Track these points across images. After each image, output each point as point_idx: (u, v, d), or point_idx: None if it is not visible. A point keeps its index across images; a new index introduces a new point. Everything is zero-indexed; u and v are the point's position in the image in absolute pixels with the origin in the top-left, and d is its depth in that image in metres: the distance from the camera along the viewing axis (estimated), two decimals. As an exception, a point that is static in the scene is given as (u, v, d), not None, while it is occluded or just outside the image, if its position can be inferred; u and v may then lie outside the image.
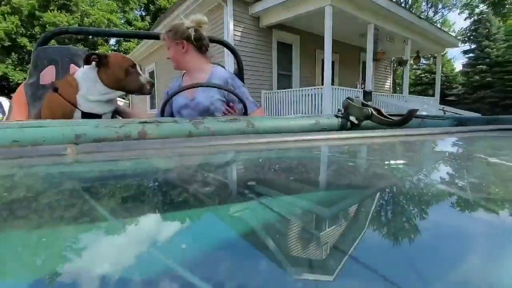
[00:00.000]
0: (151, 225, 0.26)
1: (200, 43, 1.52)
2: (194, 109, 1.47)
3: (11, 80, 18.91)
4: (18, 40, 19.53)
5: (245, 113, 1.42)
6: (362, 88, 7.34)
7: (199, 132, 0.74)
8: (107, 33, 2.69)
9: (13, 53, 19.77)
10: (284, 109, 6.99)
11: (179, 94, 1.45)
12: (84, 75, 1.24)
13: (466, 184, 0.36)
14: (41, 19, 19.90)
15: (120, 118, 1.47)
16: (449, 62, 23.76)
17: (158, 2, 26.29)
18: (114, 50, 24.15)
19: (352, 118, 0.71)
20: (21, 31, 19.75)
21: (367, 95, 6.72)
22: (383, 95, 8.15)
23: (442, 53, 10.43)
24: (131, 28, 24.90)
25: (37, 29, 19.60)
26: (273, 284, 0.16)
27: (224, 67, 1.69)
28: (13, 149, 0.46)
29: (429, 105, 8.78)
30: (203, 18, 1.51)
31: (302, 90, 6.70)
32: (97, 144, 0.52)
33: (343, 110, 0.74)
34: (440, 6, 26.52)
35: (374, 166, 0.49)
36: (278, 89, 7.59)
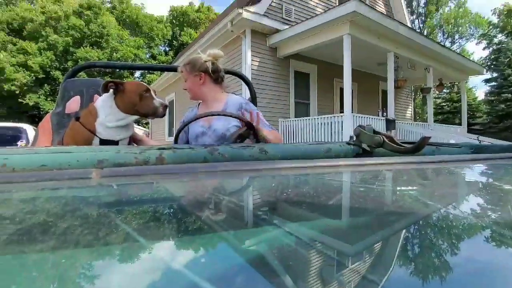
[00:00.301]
0: (172, 248, 0.28)
1: (216, 75, 1.61)
2: (211, 136, 1.53)
3: (42, 109, 20.20)
4: (51, 73, 21.18)
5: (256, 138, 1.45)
6: (384, 116, 7.14)
7: (214, 158, 0.76)
8: (130, 66, 2.96)
9: (46, 85, 21.32)
10: (302, 137, 6.91)
11: (196, 122, 1.52)
12: (102, 103, 1.32)
13: (487, 215, 0.36)
14: (74, 54, 21.60)
15: (136, 145, 1.53)
16: (470, 91, 23.34)
17: (180, 38, 28.04)
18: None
19: (364, 146, 0.71)
20: (55, 65, 21.42)
21: (390, 123, 6.56)
22: (406, 123, 7.91)
23: (465, 81, 10.20)
24: (155, 62, 26.48)
25: (70, 63, 21.19)
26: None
27: (239, 95, 1.78)
28: (42, 172, 0.50)
29: (456, 134, 8.38)
30: (219, 52, 1.62)
31: (320, 118, 6.62)
32: (119, 168, 0.56)
33: (355, 137, 0.75)
34: (456, 36, 26.61)
35: (388, 193, 0.49)
36: (295, 117, 7.59)
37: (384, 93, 9.43)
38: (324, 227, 0.32)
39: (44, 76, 21.00)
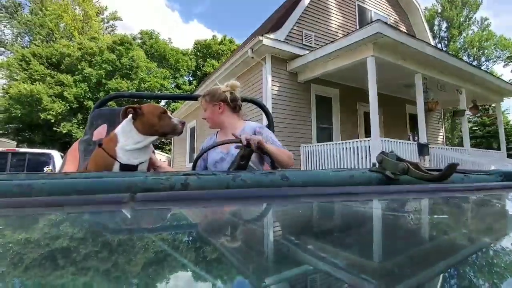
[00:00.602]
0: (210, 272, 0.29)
1: (234, 104, 1.70)
2: (229, 162, 1.57)
3: (74, 137, 21.42)
4: (84, 102, 22.72)
5: (273, 164, 1.46)
6: (415, 141, 6.65)
7: (236, 184, 0.77)
8: (155, 96, 3.20)
9: (79, 114, 22.78)
10: (325, 163, 6.57)
11: (214, 150, 1.60)
12: (122, 128, 1.39)
13: None
14: (106, 85, 23.17)
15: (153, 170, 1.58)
16: (503, 114, 22.33)
17: (203, 69, 29.41)
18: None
19: (387, 173, 0.70)
20: (88, 95, 22.97)
21: (423, 148, 6.06)
22: (439, 148, 7.28)
23: (501, 103, 9.44)
24: (180, 91, 27.67)
25: (101, 93, 22.66)
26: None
27: (258, 121, 1.84)
28: (80, 197, 0.53)
29: (495, 159, 7.77)
30: (236, 82, 1.72)
31: (345, 143, 6.21)
32: (151, 193, 0.58)
33: (377, 164, 0.74)
34: (483, 59, 26.00)
35: (418, 223, 0.48)
36: (318, 142, 7.31)
37: (412, 116, 9.02)
38: (351, 258, 0.32)
39: (77, 105, 22.55)
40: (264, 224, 0.49)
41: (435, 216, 0.51)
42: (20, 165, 6.64)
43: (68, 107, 22.13)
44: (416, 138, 6.99)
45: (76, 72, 23.25)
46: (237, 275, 0.27)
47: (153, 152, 1.57)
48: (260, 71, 7.32)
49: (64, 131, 21.56)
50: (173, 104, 26.41)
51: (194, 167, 1.58)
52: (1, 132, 23.03)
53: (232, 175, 0.77)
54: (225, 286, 0.24)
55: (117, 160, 1.35)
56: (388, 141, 5.84)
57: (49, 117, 21.18)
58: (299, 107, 7.43)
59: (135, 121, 1.39)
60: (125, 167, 1.34)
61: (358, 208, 0.59)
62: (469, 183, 0.71)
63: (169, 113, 1.46)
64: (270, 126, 2.25)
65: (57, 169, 2.28)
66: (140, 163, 1.40)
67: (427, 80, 6.80)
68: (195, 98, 1.93)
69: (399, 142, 6.06)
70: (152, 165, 1.57)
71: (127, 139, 1.37)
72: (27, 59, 22.44)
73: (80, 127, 22.36)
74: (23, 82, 21.35)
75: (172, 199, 0.62)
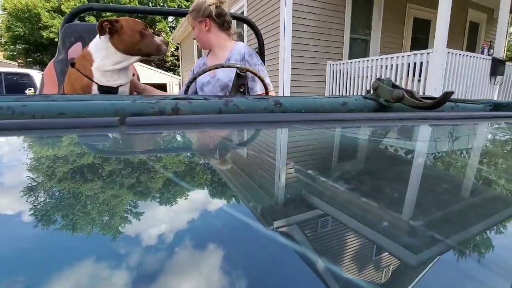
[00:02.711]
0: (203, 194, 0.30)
1: (222, 19, 1.55)
2: (215, 85, 1.53)
3: None
4: (86, 18, 21.34)
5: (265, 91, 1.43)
6: (490, 54, 4.88)
7: (229, 109, 0.77)
8: (134, 10, 2.68)
9: None
10: (357, 85, 5.07)
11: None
12: (97, 46, 1.23)
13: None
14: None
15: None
16: None
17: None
18: (173, 27, 25.06)
19: (381, 100, 0.69)
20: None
21: (498, 65, 4.58)
22: None
23: None
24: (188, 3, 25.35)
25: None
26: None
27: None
28: (69, 120, 0.54)
29: None
30: None
31: (390, 58, 4.52)
32: (141, 118, 0.59)
33: (372, 91, 0.72)
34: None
35: (406, 149, 0.49)
36: (349, 58, 5.70)
37: (473, 26, 7.11)
38: (344, 184, 0.33)
39: (78, 21, 21.30)
40: (257, 149, 0.50)
41: (423, 142, 0.52)
42: None
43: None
44: (491, 51, 5.05)
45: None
46: (233, 197, 0.28)
47: (134, 74, 1.46)
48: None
49: (71, 50, 20.96)
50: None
51: (186, 91, 1.55)
52: (11, 53, 22.54)
53: (225, 100, 0.77)
54: (223, 207, 0.25)
55: (94, 82, 1.23)
56: (455, 54, 4.14)
57: (51, 35, 20.28)
58: (328, 14, 5.61)
59: (112, 37, 1.23)
60: (104, 90, 1.24)
61: (350, 134, 0.60)
62: (458, 111, 0.70)
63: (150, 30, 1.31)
64: (261, 50, 2.10)
65: (38, 92, 2.16)
66: (119, 85, 1.29)
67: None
68: (184, 14, 1.74)
69: (470, 56, 4.38)
70: (135, 88, 1.48)
71: (105, 58, 1.23)
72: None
73: (85, 45, 21.48)
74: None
75: (163, 123, 0.63)
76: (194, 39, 1.64)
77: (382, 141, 0.54)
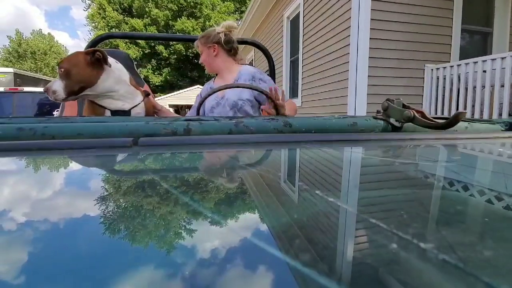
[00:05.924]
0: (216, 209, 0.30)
1: (229, 46, 1.63)
2: (224, 106, 1.57)
3: (150, 82, 22.28)
4: (156, 47, 23.09)
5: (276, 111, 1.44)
6: None
7: (239, 130, 0.78)
8: (149, 37, 2.82)
9: (152, 59, 23.65)
10: (476, 96, 3.30)
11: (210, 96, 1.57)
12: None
13: None
14: (173, 27, 23.16)
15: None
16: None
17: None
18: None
19: (392, 121, 0.68)
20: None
21: None
22: None
23: None
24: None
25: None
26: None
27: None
28: (84, 140, 0.57)
29: None
30: (233, 23, 1.65)
31: None
32: (154, 138, 0.61)
33: (382, 111, 0.72)
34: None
35: (421, 170, 0.48)
36: (461, 58, 3.86)
37: None
38: (355, 203, 0.33)
39: (149, 51, 23.54)
40: (268, 169, 0.51)
41: (437, 163, 0.51)
42: (25, 105, 6.21)
43: (142, 53, 22.84)
44: None
45: (145, 15, 23.45)
46: (242, 215, 0.29)
47: (150, 94, 1.53)
48: None
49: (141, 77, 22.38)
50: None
51: (197, 114, 1.59)
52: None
53: (235, 121, 0.78)
54: (231, 224, 0.25)
55: (106, 108, 1.33)
56: None
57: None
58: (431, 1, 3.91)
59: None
60: (116, 113, 1.33)
61: (361, 155, 0.59)
62: (472, 132, 0.69)
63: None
64: (271, 72, 2.13)
65: (59, 114, 2.25)
66: (132, 108, 1.37)
67: None
68: (192, 40, 1.85)
69: None
70: (153, 108, 1.56)
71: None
72: (104, 7, 23.26)
73: (155, 73, 23.33)
74: (101, 30, 22.06)
75: (175, 143, 0.64)
76: (201, 63, 1.71)
77: (395, 162, 0.54)
